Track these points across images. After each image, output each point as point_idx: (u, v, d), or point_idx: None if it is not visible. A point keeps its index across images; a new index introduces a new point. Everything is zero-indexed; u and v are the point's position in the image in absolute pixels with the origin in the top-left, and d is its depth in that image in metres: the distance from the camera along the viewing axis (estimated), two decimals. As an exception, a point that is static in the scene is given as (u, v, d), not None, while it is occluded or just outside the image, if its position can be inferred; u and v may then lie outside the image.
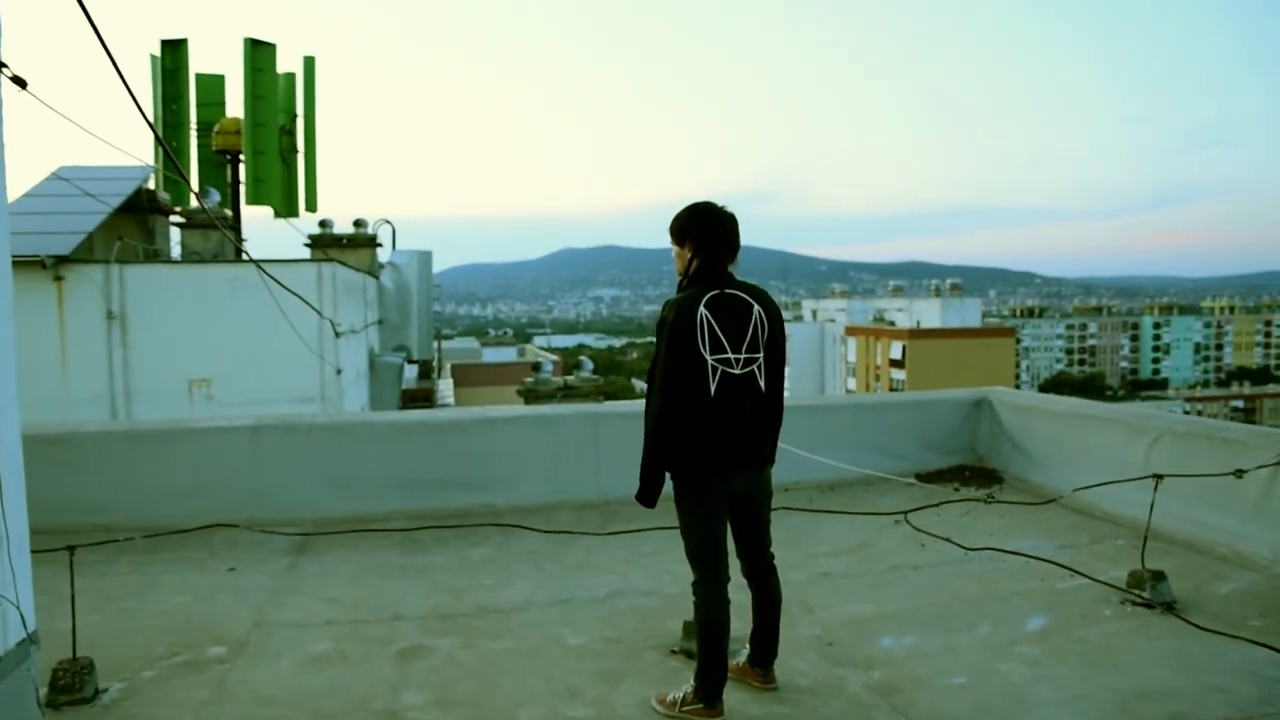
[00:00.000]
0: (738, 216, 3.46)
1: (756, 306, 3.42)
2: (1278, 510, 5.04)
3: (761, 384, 3.41)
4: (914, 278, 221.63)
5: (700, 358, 3.26)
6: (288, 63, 16.66)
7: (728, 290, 3.37)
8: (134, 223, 13.80)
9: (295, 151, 16.39)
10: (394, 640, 4.22)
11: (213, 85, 16.93)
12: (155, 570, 5.21)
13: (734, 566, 3.54)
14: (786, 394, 3.62)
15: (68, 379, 10.03)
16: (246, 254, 8.48)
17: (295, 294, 8.21)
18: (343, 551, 5.58)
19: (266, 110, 15.22)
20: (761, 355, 3.41)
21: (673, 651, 4.06)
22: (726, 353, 3.30)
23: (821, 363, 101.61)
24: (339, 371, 9.86)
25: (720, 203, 3.48)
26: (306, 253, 15.77)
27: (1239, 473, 4.95)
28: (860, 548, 5.63)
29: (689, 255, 3.41)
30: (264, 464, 6.20)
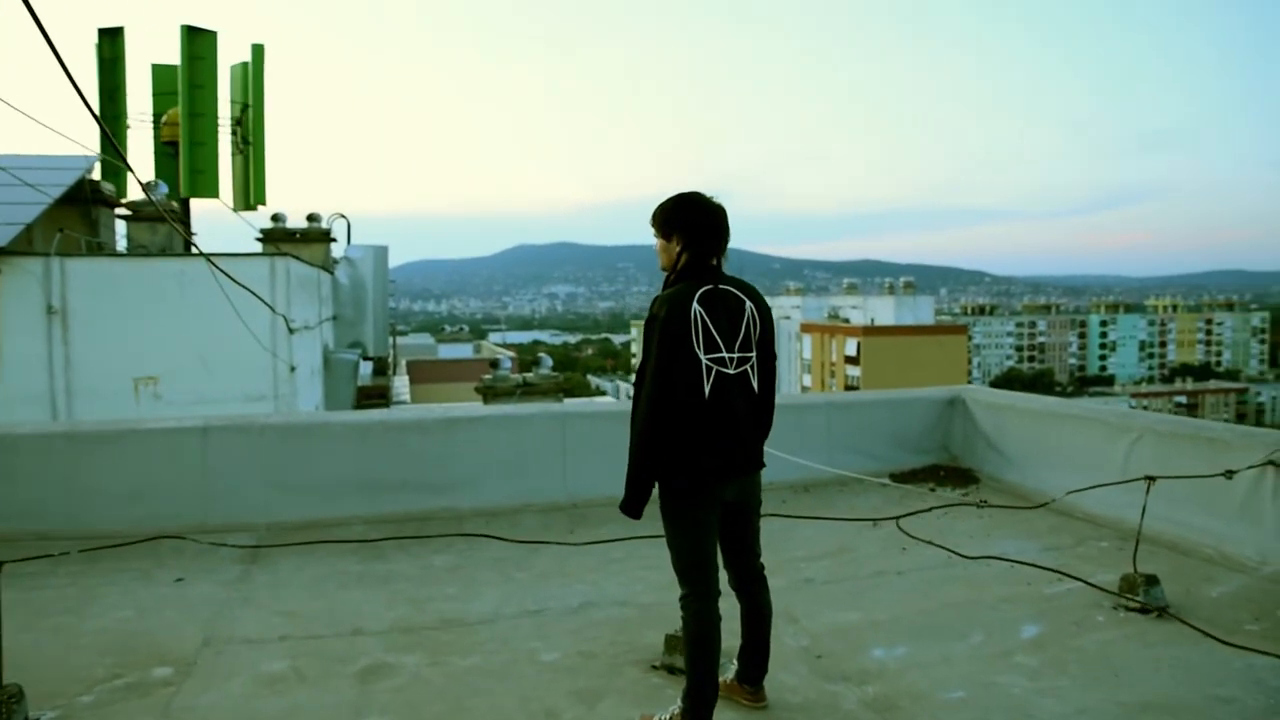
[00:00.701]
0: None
1: (749, 303, 3.20)
2: (1265, 511, 4.94)
3: (754, 384, 3.19)
4: (867, 276, 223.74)
5: (694, 357, 3.02)
6: (240, 52, 16.10)
7: (720, 285, 3.14)
8: (76, 214, 13.26)
9: (249, 143, 15.87)
10: (354, 657, 3.94)
11: (169, 76, 16.29)
12: (95, 582, 4.86)
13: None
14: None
15: (4, 377, 9.56)
16: (196, 247, 8.09)
17: (247, 289, 7.86)
18: (298, 559, 5.28)
19: (205, 100, 14.62)
20: (754, 354, 3.20)
21: (654, 667, 3.83)
22: (721, 351, 3.08)
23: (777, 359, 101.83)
24: (293, 369, 9.49)
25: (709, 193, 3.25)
26: (258, 247, 15.29)
27: (1229, 473, 4.83)
28: (841, 551, 5.45)
29: (677, 249, 3.18)
30: (214, 467, 5.87)
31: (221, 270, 7.26)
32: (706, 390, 3.03)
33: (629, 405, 7.46)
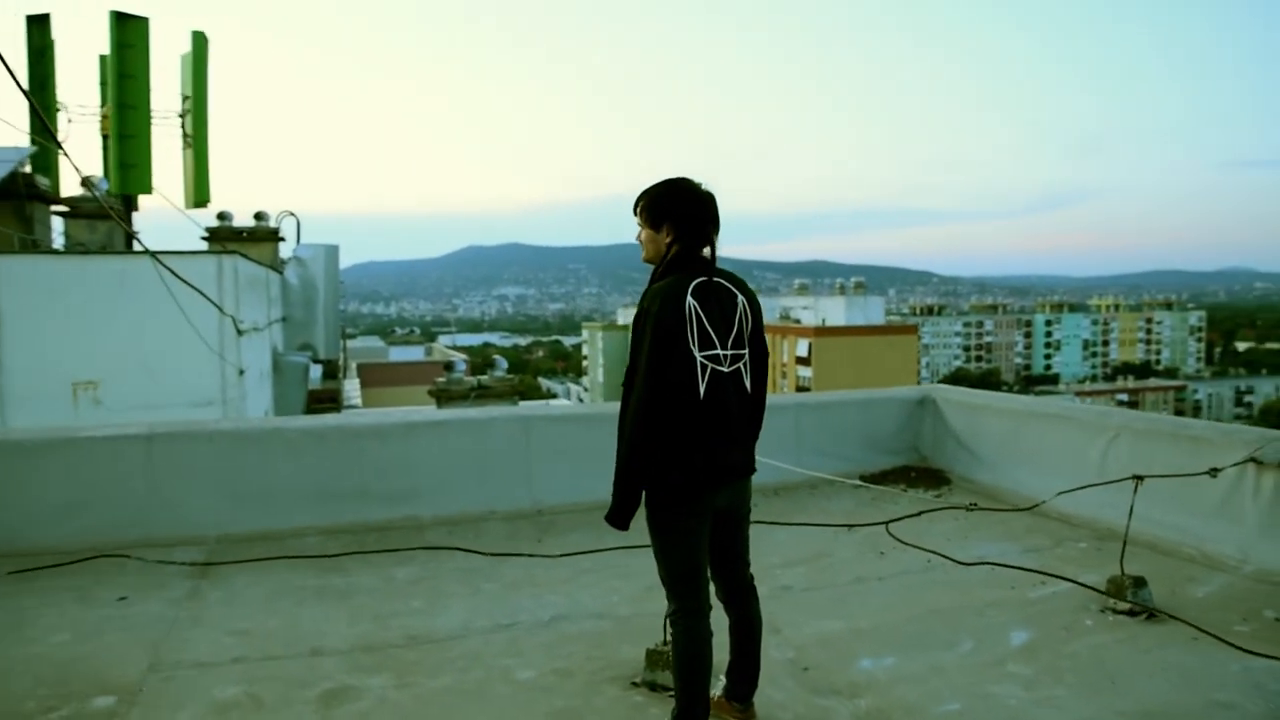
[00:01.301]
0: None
1: (740, 296, 3.02)
2: (1245, 509, 4.89)
3: (747, 383, 3.01)
4: (817, 276, 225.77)
5: (689, 354, 2.83)
6: (183, 42, 15.45)
7: (714, 278, 2.95)
8: (9, 210, 12.72)
9: (191, 137, 15.33)
10: (315, 680, 3.69)
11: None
12: (29, 603, 4.53)
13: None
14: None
15: (-68, 383, 9.06)
16: (141, 244, 7.68)
17: (194, 288, 7.52)
18: (252, 574, 4.99)
19: (137, 90, 13.99)
20: (747, 351, 3.02)
21: (634, 684, 3.63)
22: (715, 348, 2.89)
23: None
24: (241, 372, 9.13)
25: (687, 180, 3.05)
26: (203, 247, 14.77)
27: (1214, 471, 4.76)
28: (817, 557, 5.29)
29: (667, 239, 2.97)
30: (160, 477, 5.55)
31: (167, 268, 6.94)
32: (701, 390, 2.84)
33: (595, 408, 7.23)
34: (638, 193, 3.04)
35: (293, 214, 15.94)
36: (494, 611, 4.45)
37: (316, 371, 16.76)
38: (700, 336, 2.85)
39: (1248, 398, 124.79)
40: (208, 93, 15.17)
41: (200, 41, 15.09)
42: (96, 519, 5.36)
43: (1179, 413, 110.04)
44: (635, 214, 3.04)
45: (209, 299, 8.00)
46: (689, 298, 2.85)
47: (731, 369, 2.94)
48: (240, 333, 9.09)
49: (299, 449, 5.81)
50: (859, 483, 6.79)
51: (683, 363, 2.82)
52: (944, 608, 4.45)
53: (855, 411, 7.35)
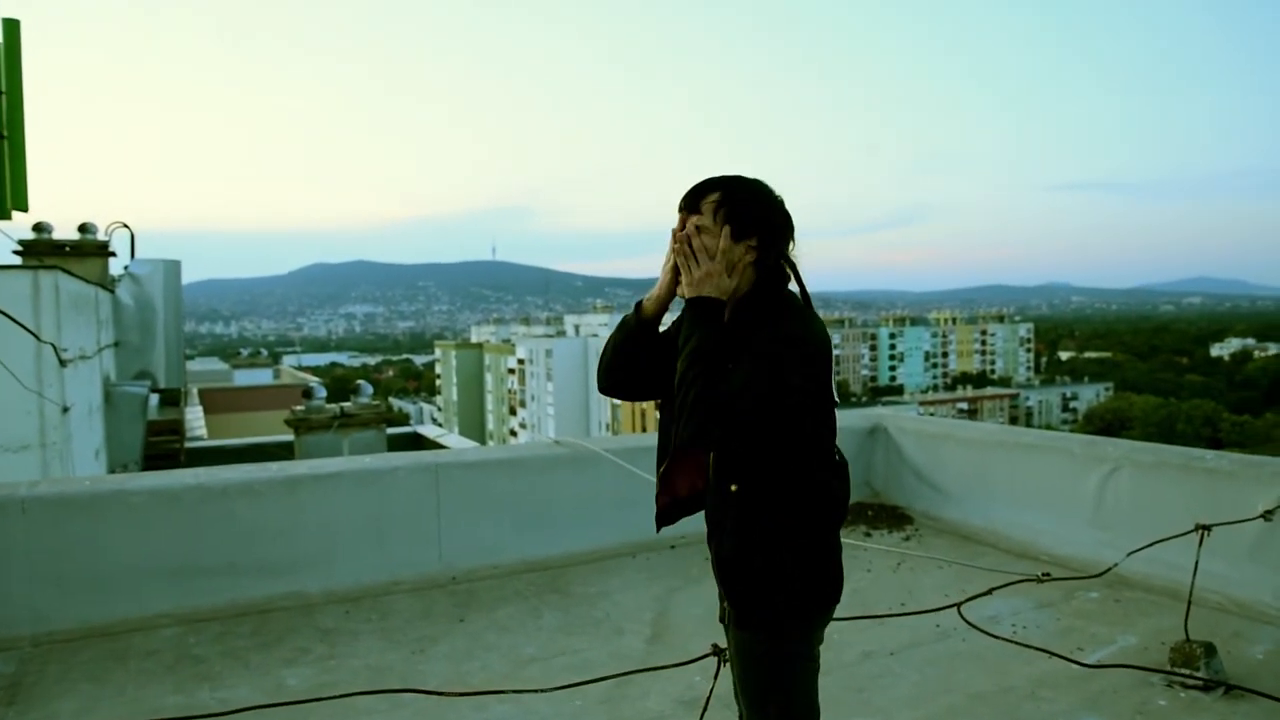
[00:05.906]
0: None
1: None
2: (1282, 551, 4.32)
3: None
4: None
5: (833, 409, 2.00)
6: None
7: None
8: None
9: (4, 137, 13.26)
10: None
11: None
12: None
13: None
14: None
15: None
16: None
17: (1, 311, 6.09)
18: (84, 689, 3.75)
19: None
20: None
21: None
22: (836, 397, 2.04)
23: (586, 377, 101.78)
24: (65, 410, 7.62)
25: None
26: (17, 261, 12.81)
27: (1267, 515, 4.17)
28: (805, 626, 4.43)
29: (755, 258, 2.06)
30: (-48, 561, 4.20)
31: (-36, 287, 5.53)
32: (837, 454, 2.04)
33: (515, 450, 6.14)
34: (692, 184, 2.08)
35: (126, 226, 14.07)
36: (427, 734, 3.39)
37: (156, 400, 14.92)
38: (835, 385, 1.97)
39: (1073, 403, 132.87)
40: (22, 86, 13.20)
41: (12, 30, 13.09)
42: None
43: (1013, 419, 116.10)
44: (694, 211, 2.06)
45: (19, 324, 6.55)
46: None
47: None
48: (63, 363, 7.59)
49: (147, 515, 4.54)
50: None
51: (831, 420, 2.02)
52: (986, 691, 3.66)
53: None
